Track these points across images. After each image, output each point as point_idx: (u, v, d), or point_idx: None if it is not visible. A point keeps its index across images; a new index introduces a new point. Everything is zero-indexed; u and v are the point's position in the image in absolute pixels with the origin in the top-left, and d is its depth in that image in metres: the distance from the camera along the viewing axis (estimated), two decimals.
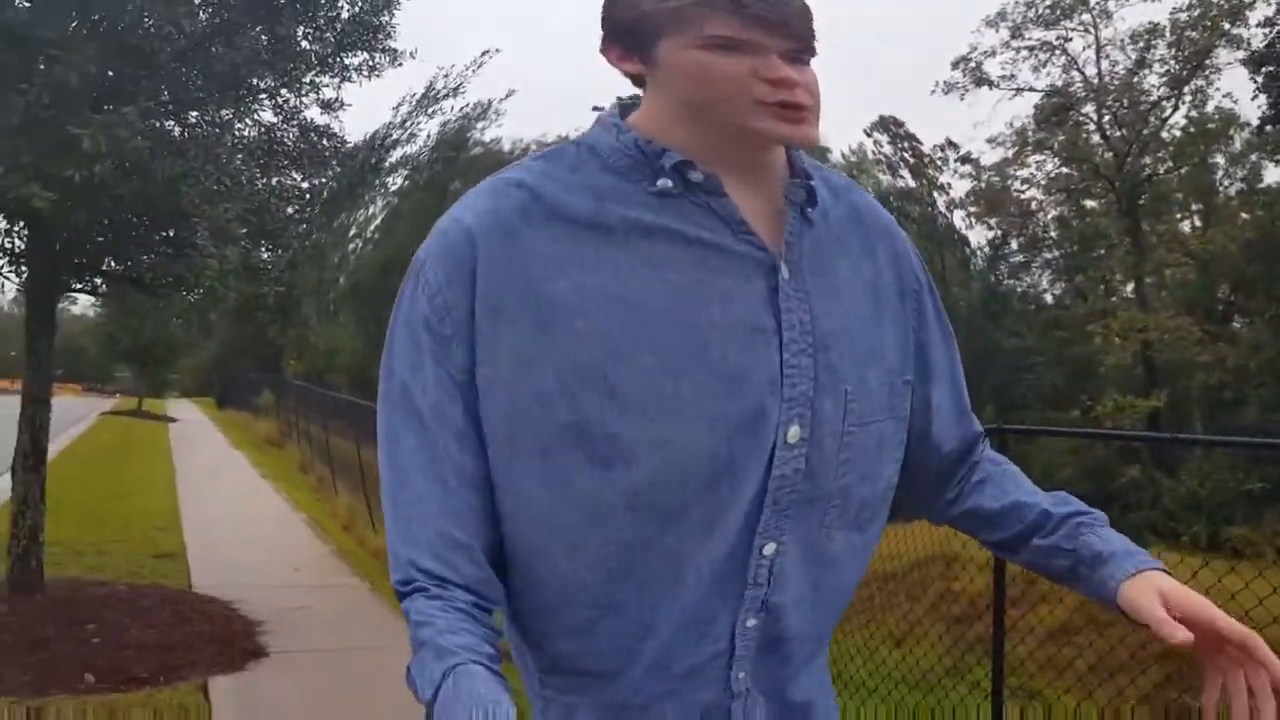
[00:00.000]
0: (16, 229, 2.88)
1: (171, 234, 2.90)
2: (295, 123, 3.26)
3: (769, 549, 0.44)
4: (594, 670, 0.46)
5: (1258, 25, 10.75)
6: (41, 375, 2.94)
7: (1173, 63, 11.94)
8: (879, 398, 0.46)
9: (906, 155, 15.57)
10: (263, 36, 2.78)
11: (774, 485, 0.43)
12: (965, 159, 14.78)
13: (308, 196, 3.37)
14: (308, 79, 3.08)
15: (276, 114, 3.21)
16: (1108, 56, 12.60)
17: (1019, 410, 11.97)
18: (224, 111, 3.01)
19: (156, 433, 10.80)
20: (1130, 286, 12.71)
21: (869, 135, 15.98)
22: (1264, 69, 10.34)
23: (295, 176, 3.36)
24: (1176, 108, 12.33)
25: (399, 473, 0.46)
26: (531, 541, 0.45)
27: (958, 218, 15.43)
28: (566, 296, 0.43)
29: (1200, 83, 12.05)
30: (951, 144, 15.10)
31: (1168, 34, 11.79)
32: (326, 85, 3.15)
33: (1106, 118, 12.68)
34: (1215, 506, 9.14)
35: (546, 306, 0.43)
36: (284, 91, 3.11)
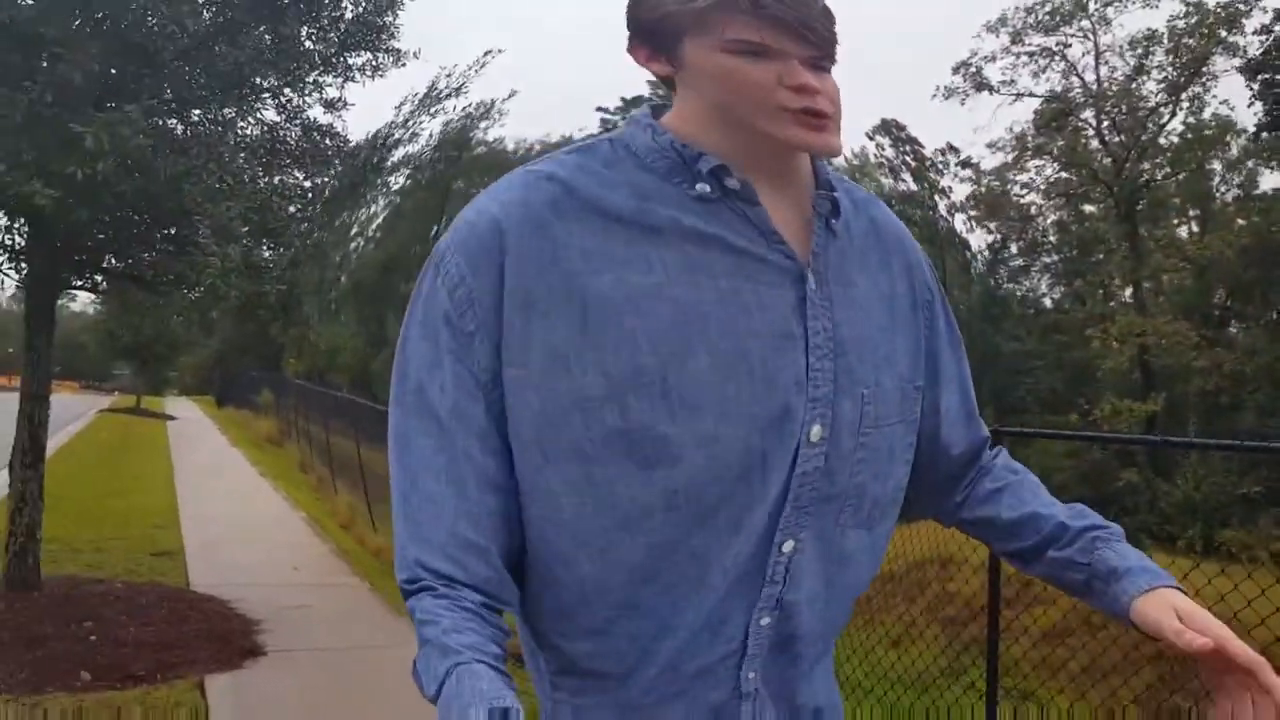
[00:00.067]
0: (17, 226, 2.89)
1: (173, 232, 2.90)
2: (298, 122, 3.26)
3: (788, 546, 0.45)
4: (608, 671, 0.46)
5: (1254, 33, 10.87)
6: (40, 372, 2.94)
7: (1170, 70, 12.02)
8: (892, 401, 0.48)
9: (908, 159, 15.63)
10: (266, 36, 2.78)
11: (796, 482, 0.44)
12: (965, 163, 14.86)
13: (310, 195, 3.38)
14: (311, 78, 3.08)
15: (279, 113, 3.21)
16: (1106, 63, 12.72)
17: (1018, 414, 12.00)
18: (227, 110, 3.01)
19: (155, 430, 10.77)
20: (1128, 291, 12.77)
21: (871, 138, 16.05)
22: (1260, 76, 10.42)
23: (297, 175, 3.37)
24: (1174, 114, 12.45)
25: (411, 474, 0.45)
26: (557, 546, 0.45)
27: (959, 221, 15.49)
28: (610, 293, 0.42)
29: (1197, 89, 12.15)
30: (952, 148, 15.18)
31: (1165, 41, 11.87)
32: (330, 85, 3.15)
33: (1105, 123, 12.74)
34: (1211, 510, 9.17)
35: (587, 302, 0.42)
36: (287, 91, 3.11)
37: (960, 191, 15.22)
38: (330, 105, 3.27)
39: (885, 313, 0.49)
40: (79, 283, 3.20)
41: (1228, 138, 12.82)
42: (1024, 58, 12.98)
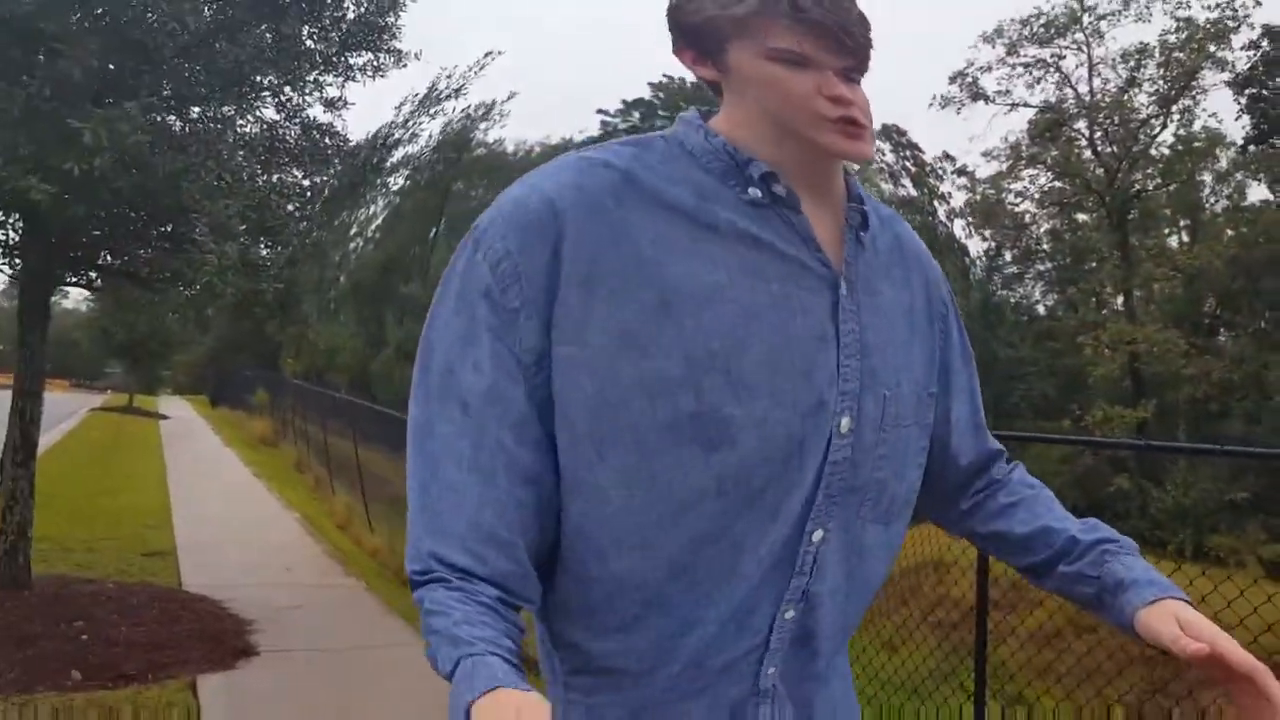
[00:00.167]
0: (12, 221, 2.87)
1: (170, 229, 2.89)
2: (298, 120, 3.25)
3: (817, 535, 0.46)
4: (627, 669, 0.45)
5: (1242, 48, 11.08)
6: (34, 368, 2.92)
7: (1161, 83, 12.19)
8: (910, 404, 0.49)
9: (908, 164, 15.73)
10: (267, 35, 2.78)
11: (828, 471, 0.46)
12: (961, 171, 15.00)
13: (309, 194, 3.37)
14: (311, 77, 3.08)
15: (279, 111, 3.21)
16: (1099, 75, 12.85)
17: (1011, 419, 12.07)
18: (226, 108, 3.01)
19: (148, 430, 10.67)
20: (1120, 299, 12.89)
21: None
22: (1247, 91, 10.63)
23: (296, 174, 3.36)
24: (1165, 126, 12.59)
25: (432, 462, 0.43)
26: (595, 541, 0.44)
27: (958, 227, 15.60)
28: (686, 282, 0.43)
29: (1188, 103, 12.29)
30: (948, 156, 15.31)
31: (1157, 55, 12.05)
32: (330, 84, 3.16)
33: (1098, 134, 12.89)
34: (1201, 516, 9.27)
35: (665, 287, 0.42)
36: (287, 89, 3.11)
37: (957, 199, 15.36)
38: (330, 104, 3.28)
39: (905, 322, 0.50)
40: (74, 279, 3.19)
41: (1217, 150, 13.02)
42: (1019, 69, 13.16)
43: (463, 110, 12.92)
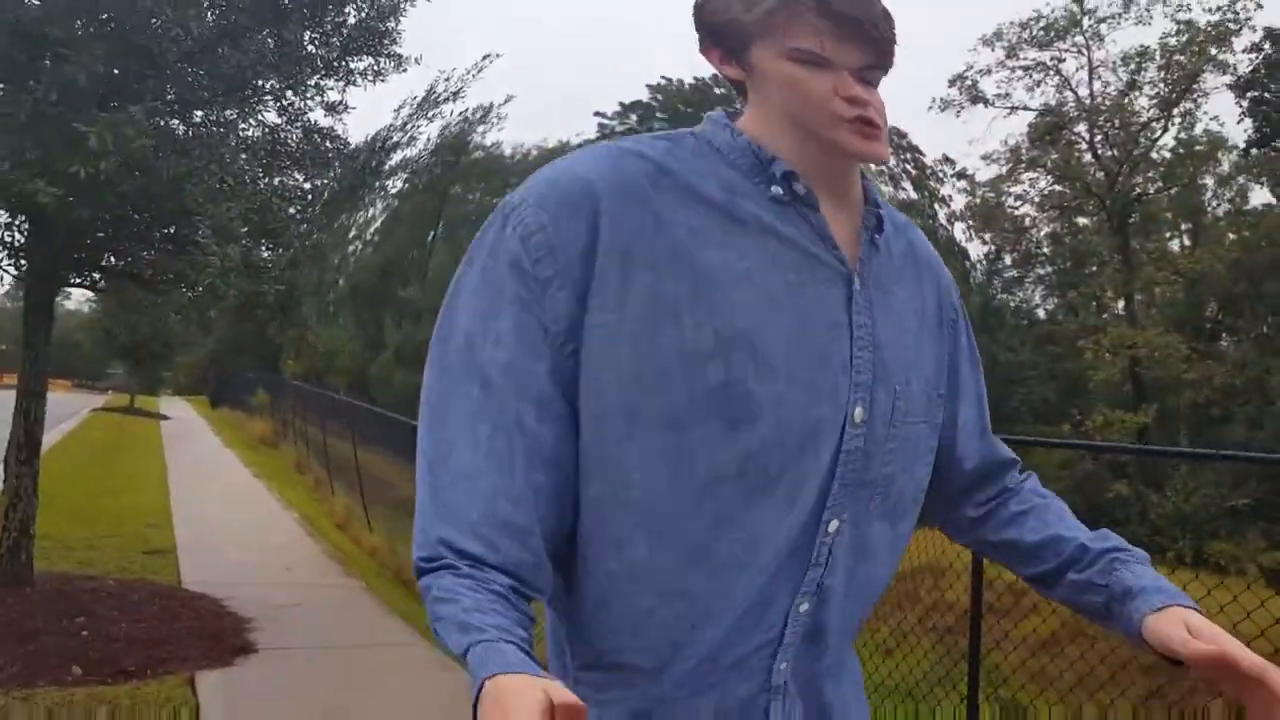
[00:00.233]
0: (18, 223, 2.91)
1: (173, 231, 2.92)
2: (299, 124, 3.28)
3: (833, 525, 0.46)
4: (640, 664, 0.45)
5: (1243, 51, 11.06)
6: (38, 368, 2.95)
7: (1162, 86, 12.18)
8: (919, 401, 0.50)
9: (909, 167, 15.75)
10: (269, 40, 2.82)
11: (842, 459, 0.46)
12: (961, 175, 15.00)
13: (309, 197, 3.41)
14: (312, 82, 3.11)
15: (280, 115, 3.24)
16: (1099, 78, 12.85)
17: (1011, 423, 12.04)
18: (229, 112, 3.04)
19: (149, 430, 10.73)
20: (1121, 303, 12.87)
21: None
22: (1249, 94, 10.61)
23: (298, 177, 3.39)
24: (1166, 129, 12.59)
25: (445, 443, 0.41)
26: (613, 528, 0.43)
27: (958, 230, 15.61)
28: (719, 268, 0.44)
29: (1189, 106, 12.29)
30: (948, 160, 15.33)
31: (1157, 58, 12.04)
32: (331, 88, 3.19)
33: (1098, 137, 12.88)
34: (1201, 522, 9.22)
35: (698, 270, 0.43)
36: (289, 93, 3.14)
37: (957, 202, 15.37)
38: (331, 108, 3.31)
39: (916, 323, 0.51)
40: (78, 280, 3.22)
41: (1218, 153, 13.02)
42: (1019, 72, 13.16)
43: (460, 113, 12.96)
